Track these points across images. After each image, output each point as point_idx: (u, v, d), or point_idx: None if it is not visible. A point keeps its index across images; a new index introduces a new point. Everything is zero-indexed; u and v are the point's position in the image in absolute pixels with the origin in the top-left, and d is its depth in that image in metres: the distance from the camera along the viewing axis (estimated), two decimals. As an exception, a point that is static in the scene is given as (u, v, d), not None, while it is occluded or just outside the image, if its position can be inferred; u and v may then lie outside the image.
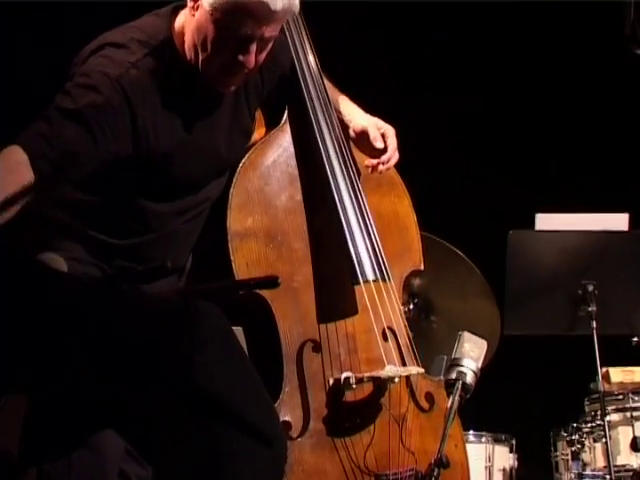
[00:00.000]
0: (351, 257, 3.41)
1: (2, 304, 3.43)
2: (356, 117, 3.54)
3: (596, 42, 5.27)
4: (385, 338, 3.46)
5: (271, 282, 2.99)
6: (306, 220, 3.41)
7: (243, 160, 3.34)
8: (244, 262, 3.30)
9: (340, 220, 3.42)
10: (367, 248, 3.44)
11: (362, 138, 3.50)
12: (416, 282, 4.41)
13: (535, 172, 5.56)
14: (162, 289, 3.14)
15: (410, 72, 5.75)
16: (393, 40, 5.73)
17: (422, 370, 3.52)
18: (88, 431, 3.12)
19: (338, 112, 3.55)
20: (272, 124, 3.49)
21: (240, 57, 2.97)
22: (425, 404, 3.56)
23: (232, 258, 3.30)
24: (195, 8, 2.99)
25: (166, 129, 3.05)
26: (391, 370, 3.42)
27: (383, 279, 3.46)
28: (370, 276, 3.43)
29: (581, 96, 5.60)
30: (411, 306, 4.43)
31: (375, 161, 3.45)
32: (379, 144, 3.44)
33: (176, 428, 2.98)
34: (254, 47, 2.98)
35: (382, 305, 3.46)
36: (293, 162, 3.43)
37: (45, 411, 3.23)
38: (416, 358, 3.54)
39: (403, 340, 3.50)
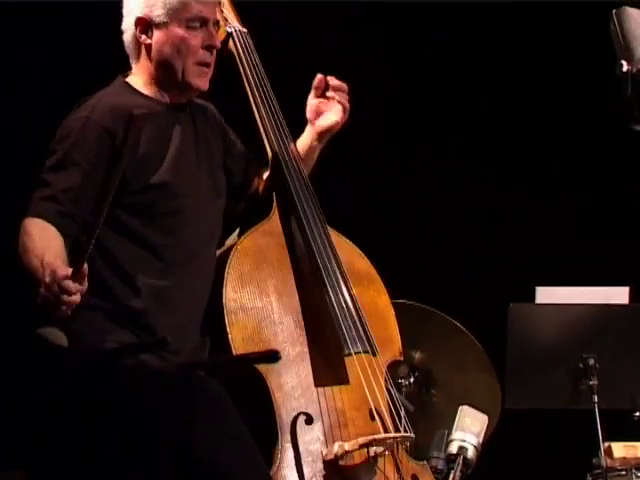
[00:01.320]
0: (342, 330, 3.49)
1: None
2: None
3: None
4: (372, 418, 3.49)
5: (271, 357, 3.05)
6: (298, 300, 3.50)
7: (237, 244, 3.48)
8: (240, 337, 3.37)
9: (330, 299, 3.51)
10: (355, 323, 3.52)
11: (315, 110, 3.68)
12: (416, 355, 4.41)
13: (535, 245, 5.55)
14: (189, 353, 3.27)
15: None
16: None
17: (411, 435, 3.51)
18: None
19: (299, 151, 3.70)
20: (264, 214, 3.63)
21: (207, 42, 3.33)
22: None
23: (228, 331, 3.37)
24: (149, 36, 3.33)
25: (144, 141, 3.25)
26: (375, 435, 3.44)
27: (366, 351, 3.52)
28: (355, 349, 3.49)
29: (580, 168, 5.62)
30: (411, 379, 4.41)
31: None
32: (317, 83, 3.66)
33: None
34: (212, 29, 3.37)
35: (369, 382, 3.50)
36: (284, 248, 3.55)
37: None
38: (407, 427, 3.54)
39: (389, 420, 3.50)
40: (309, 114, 3.67)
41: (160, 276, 3.27)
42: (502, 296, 4.40)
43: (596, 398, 4.28)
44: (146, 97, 3.34)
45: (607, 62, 2.80)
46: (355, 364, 3.49)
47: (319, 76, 3.67)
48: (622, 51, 2.75)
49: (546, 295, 4.45)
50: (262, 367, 3.34)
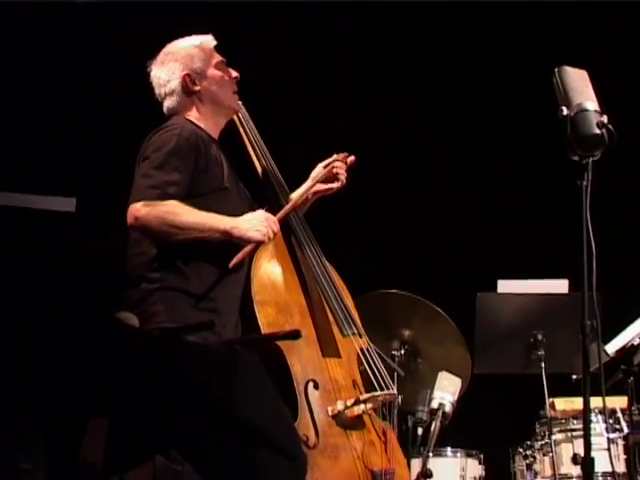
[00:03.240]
0: (338, 317, 3.56)
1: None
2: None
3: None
4: (355, 386, 3.54)
5: (294, 334, 3.06)
6: (303, 296, 3.55)
7: (256, 254, 3.47)
8: (266, 322, 3.41)
9: (327, 294, 3.57)
10: (346, 312, 3.59)
11: (319, 175, 3.67)
12: (406, 333, 4.42)
13: (497, 248, 5.54)
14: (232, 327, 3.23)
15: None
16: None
17: (394, 392, 3.54)
18: (154, 449, 3.11)
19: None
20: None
21: (233, 76, 3.46)
22: (382, 437, 3.57)
23: (258, 317, 3.41)
24: (197, 84, 3.37)
25: (209, 161, 3.26)
26: (365, 395, 3.50)
27: (356, 333, 3.57)
28: (350, 331, 3.55)
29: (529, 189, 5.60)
30: (402, 351, 4.41)
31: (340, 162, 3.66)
32: (325, 164, 3.67)
33: (224, 449, 2.97)
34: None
35: (352, 358, 3.56)
36: (288, 259, 3.59)
37: (122, 432, 3.23)
38: (390, 385, 3.59)
39: (362, 387, 3.56)
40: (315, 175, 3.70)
41: (217, 262, 3.23)
42: (471, 287, 4.41)
43: (543, 365, 4.32)
44: (204, 130, 3.36)
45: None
46: (350, 342, 3.56)
47: (347, 155, 3.69)
48: (562, 100, 2.76)
49: (505, 286, 4.47)
50: (282, 346, 3.40)
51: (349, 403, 3.42)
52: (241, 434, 2.97)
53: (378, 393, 3.48)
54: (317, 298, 3.58)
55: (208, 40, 3.48)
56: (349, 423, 3.46)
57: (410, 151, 5.64)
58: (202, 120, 3.39)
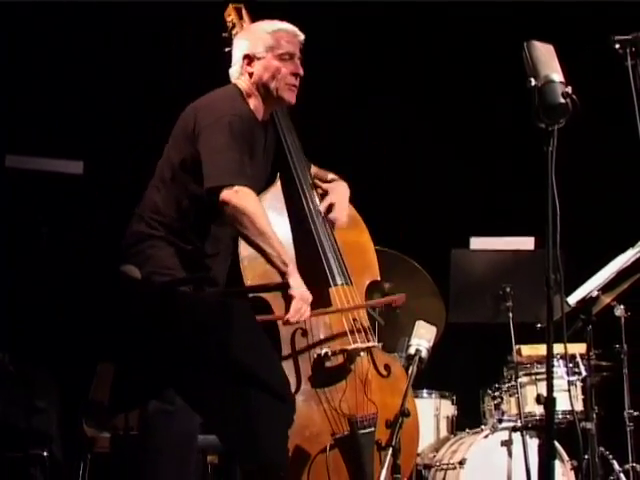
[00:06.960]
0: (326, 269, 3.46)
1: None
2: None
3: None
4: (352, 332, 3.47)
5: (284, 286, 3.03)
6: (294, 247, 3.45)
7: None
8: (251, 276, 3.36)
9: (317, 245, 3.47)
10: (337, 262, 3.48)
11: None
12: (387, 285, 4.41)
13: (470, 209, 5.55)
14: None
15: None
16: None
17: (377, 344, 3.51)
18: (156, 391, 3.10)
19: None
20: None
21: (294, 71, 3.29)
22: (384, 372, 3.54)
23: (243, 274, 3.37)
24: (252, 66, 3.29)
25: (254, 145, 3.24)
26: (356, 344, 3.44)
27: (347, 283, 3.48)
28: (339, 281, 3.47)
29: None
30: (383, 302, 4.42)
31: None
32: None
33: (220, 390, 2.96)
34: (297, 61, 3.32)
35: (348, 302, 3.47)
36: (284, 209, 3.49)
37: (126, 376, 3.21)
38: (373, 338, 3.54)
39: (363, 333, 3.49)
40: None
41: (218, 231, 3.26)
42: (446, 244, 4.39)
43: (511, 314, 4.32)
44: (250, 110, 3.30)
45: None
46: (339, 292, 3.47)
47: None
48: (530, 71, 2.72)
49: (477, 243, 4.47)
50: (268, 296, 3.34)
51: (329, 352, 3.37)
52: (235, 376, 2.96)
53: (353, 346, 3.42)
54: (312, 250, 3.47)
55: (287, 30, 3.33)
56: (333, 370, 3.42)
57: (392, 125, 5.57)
58: (251, 99, 3.32)
